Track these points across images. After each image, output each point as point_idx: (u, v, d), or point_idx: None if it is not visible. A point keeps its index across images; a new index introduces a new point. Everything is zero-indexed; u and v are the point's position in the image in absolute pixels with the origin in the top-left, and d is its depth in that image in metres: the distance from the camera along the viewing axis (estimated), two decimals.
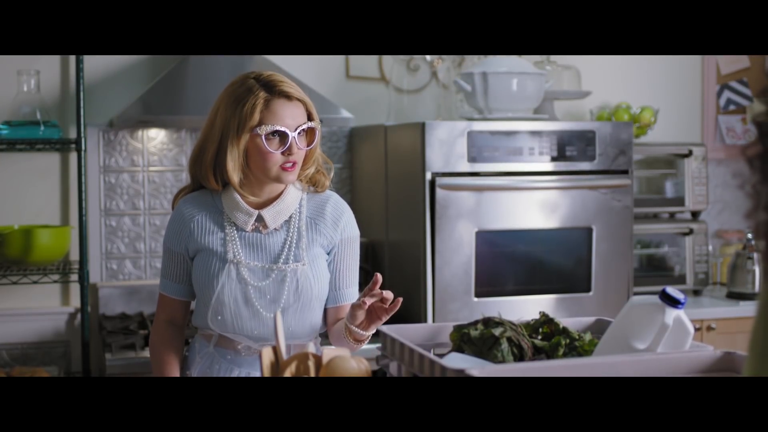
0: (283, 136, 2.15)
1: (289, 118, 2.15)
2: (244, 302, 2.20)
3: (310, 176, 2.28)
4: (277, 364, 1.85)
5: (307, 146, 2.20)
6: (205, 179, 2.22)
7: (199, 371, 2.26)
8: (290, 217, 2.25)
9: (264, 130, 2.13)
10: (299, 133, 2.16)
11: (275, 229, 2.24)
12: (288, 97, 2.16)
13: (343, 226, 2.30)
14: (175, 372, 2.28)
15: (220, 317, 2.21)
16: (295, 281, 2.22)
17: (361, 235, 3.68)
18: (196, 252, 2.25)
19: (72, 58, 3.58)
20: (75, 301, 3.62)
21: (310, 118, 2.20)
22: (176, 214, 2.28)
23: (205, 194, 2.27)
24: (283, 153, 2.15)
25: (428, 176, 3.24)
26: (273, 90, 2.15)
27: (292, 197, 2.25)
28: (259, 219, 2.23)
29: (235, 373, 2.23)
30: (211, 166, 2.20)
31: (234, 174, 2.16)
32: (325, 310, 2.33)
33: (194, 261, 2.26)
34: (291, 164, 2.16)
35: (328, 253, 2.30)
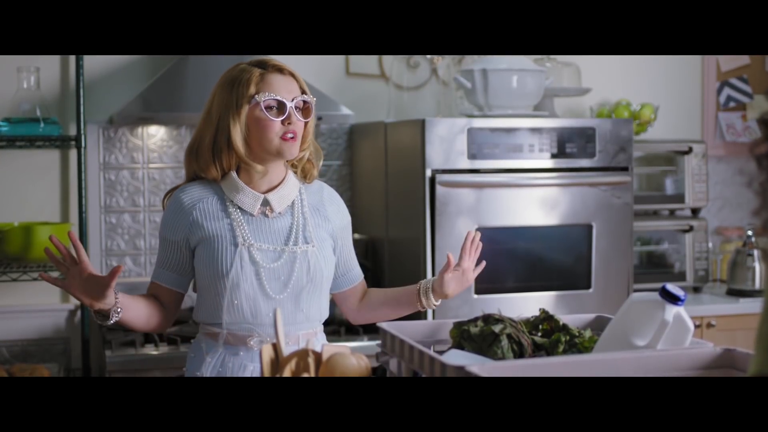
0: (281, 105, 2.19)
1: (285, 90, 2.21)
2: (259, 285, 2.20)
3: (302, 165, 2.32)
4: (277, 360, 1.85)
5: (306, 119, 2.24)
6: (205, 169, 2.23)
7: (212, 371, 2.23)
8: (292, 202, 2.29)
9: (262, 97, 2.17)
10: (296, 105, 2.21)
11: (280, 213, 2.26)
12: (281, 70, 2.23)
13: (342, 212, 2.39)
14: (136, 299, 2.23)
15: (236, 302, 2.20)
16: (306, 262, 2.24)
17: (361, 232, 3.70)
18: (199, 241, 2.23)
19: (72, 56, 3.58)
20: (75, 299, 3.61)
21: (304, 94, 2.25)
22: (174, 204, 2.26)
23: (203, 183, 2.27)
24: (282, 122, 2.19)
25: (428, 173, 3.24)
26: (265, 65, 2.22)
27: (293, 183, 2.29)
28: (264, 204, 2.25)
29: (249, 369, 2.21)
30: (210, 152, 2.22)
31: (240, 146, 2.19)
32: (338, 294, 2.42)
33: (198, 250, 2.24)
34: (292, 134, 2.19)
35: (333, 240, 2.35)
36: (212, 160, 2.22)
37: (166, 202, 2.31)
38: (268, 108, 2.18)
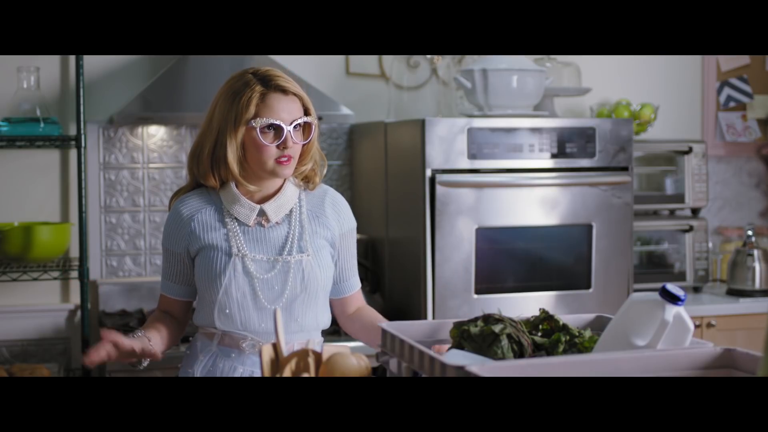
0: (278, 129, 2.17)
1: (285, 112, 2.18)
2: (252, 296, 2.21)
3: (305, 174, 2.30)
4: (277, 360, 1.85)
5: (304, 141, 2.22)
6: (204, 176, 2.23)
7: (202, 370, 2.25)
8: (290, 211, 2.27)
9: (259, 123, 2.15)
10: (295, 127, 2.19)
11: (277, 222, 2.25)
12: (284, 91, 2.19)
13: (343, 218, 2.35)
14: (155, 325, 2.26)
15: (228, 311, 2.21)
16: (300, 271, 2.23)
17: (361, 232, 3.70)
18: (198, 251, 2.24)
19: (72, 56, 3.58)
20: (75, 298, 3.62)
21: (307, 113, 2.23)
22: (174, 215, 2.28)
23: (202, 193, 2.28)
24: (278, 146, 2.17)
25: (428, 173, 3.24)
26: (269, 84, 2.18)
27: (291, 191, 2.28)
28: (260, 214, 2.25)
29: (239, 372, 2.22)
30: (209, 162, 2.21)
31: (234, 165, 2.18)
32: (330, 300, 2.37)
33: (196, 260, 2.25)
34: (286, 158, 2.18)
35: (332, 246, 2.32)
36: (211, 170, 2.22)
37: (171, 206, 2.32)
38: (264, 132, 2.17)
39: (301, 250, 2.25)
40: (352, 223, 2.38)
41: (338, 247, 2.34)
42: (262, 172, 2.20)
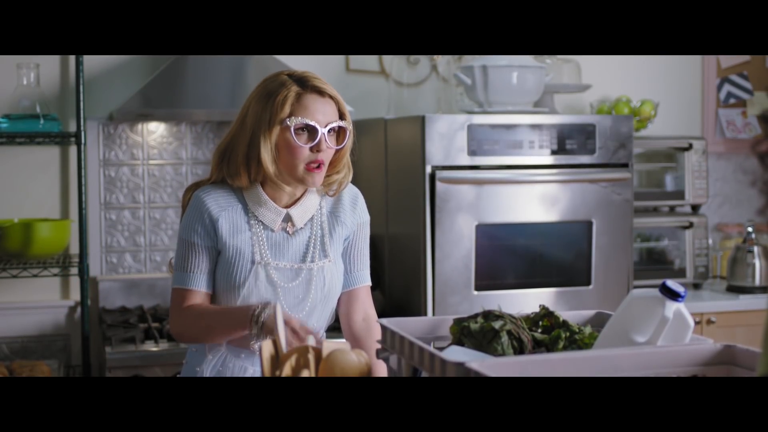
0: (312, 131, 2.11)
1: (320, 114, 2.12)
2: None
3: (337, 182, 2.23)
4: (277, 357, 1.85)
5: (338, 146, 2.17)
6: (236, 176, 2.16)
7: (212, 369, 2.21)
8: (312, 216, 2.23)
9: (294, 122, 2.09)
10: (329, 131, 2.13)
11: (300, 228, 2.21)
12: (320, 92, 2.13)
13: (359, 210, 2.32)
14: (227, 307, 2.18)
15: None
16: (322, 279, 2.20)
17: None
18: (222, 250, 2.18)
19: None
20: (75, 295, 3.62)
21: (342, 118, 2.17)
22: (199, 206, 2.18)
23: (227, 190, 2.20)
24: (311, 149, 2.11)
25: (428, 170, 3.24)
26: (305, 85, 2.13)
27: (314, 196, 2.24)
28: (285, 219, 2.20)
29: (249, 372, 2.19)
30: (244, 163, 2.14)
31: (270, 165, 2.12)
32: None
33: (219, 258, 2.19)
34: (317, 164, 2.12)
35: (344, 240, 2.29)
36: (246, 170, 2.15)
37: (188, 201, 2.24)
38: (299, 133, 2.11)
39: (325, 254, 2.22)
40: (366, 216, 2.34)
41: (350, 239, 2.30)
42: (291, 178, 2.14)
